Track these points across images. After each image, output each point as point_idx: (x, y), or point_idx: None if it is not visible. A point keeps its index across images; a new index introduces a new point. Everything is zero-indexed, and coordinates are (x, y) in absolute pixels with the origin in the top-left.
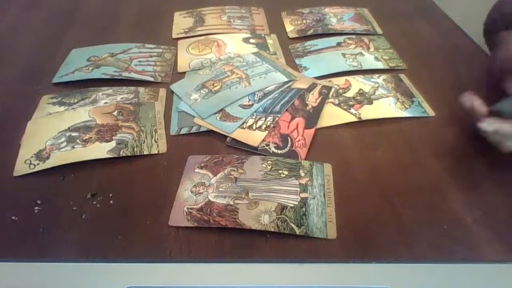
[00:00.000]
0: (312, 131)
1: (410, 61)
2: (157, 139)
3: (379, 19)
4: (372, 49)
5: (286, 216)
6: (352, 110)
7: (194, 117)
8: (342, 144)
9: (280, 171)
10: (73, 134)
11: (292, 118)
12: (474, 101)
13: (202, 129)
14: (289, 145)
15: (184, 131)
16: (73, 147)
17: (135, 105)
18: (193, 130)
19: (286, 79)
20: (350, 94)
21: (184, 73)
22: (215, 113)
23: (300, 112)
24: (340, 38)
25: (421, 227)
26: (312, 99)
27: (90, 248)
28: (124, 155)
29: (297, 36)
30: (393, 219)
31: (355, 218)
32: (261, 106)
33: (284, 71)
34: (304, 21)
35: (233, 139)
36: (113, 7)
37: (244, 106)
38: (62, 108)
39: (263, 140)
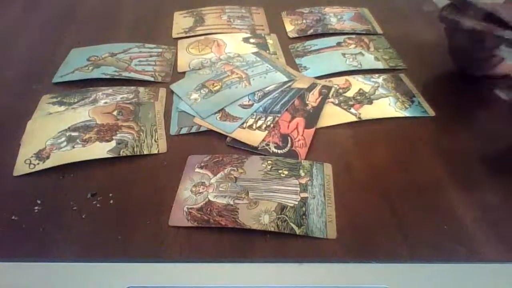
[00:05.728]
0: (312, 131)
1: (410, 61)
2: (157, 139)
3: (379, 19)
4: (372, 49)
5: (286, 216)
6: (352, 110)
7: (194, 117)
8: (342, 144)
9: (280, 171)
10: (73, 134)
11: (292, 118)
12: None
13: (202, 129)
14: (289, 145)
15: (184, 131)
16: (73, 147)
17: (135, 105)
18: (193, 130)
19: (286, 79)
20: (350, 94)
21: (184, 73)
22: (215, 113)
23: (300, 112)
24: (340, 38)
25: (421, 227)
26: (312, 99)
27: (90, 248)
28: (124, 155)
29: (297, 36)
30: (393, 219)
31: (355, 218)
32: (261, 106)
33: (284, 71)
34: (304, 21)
35: (233, 139)
36: (113, 6)
37: (244, 106)
38: (62, 108)
39: (263, 140)
